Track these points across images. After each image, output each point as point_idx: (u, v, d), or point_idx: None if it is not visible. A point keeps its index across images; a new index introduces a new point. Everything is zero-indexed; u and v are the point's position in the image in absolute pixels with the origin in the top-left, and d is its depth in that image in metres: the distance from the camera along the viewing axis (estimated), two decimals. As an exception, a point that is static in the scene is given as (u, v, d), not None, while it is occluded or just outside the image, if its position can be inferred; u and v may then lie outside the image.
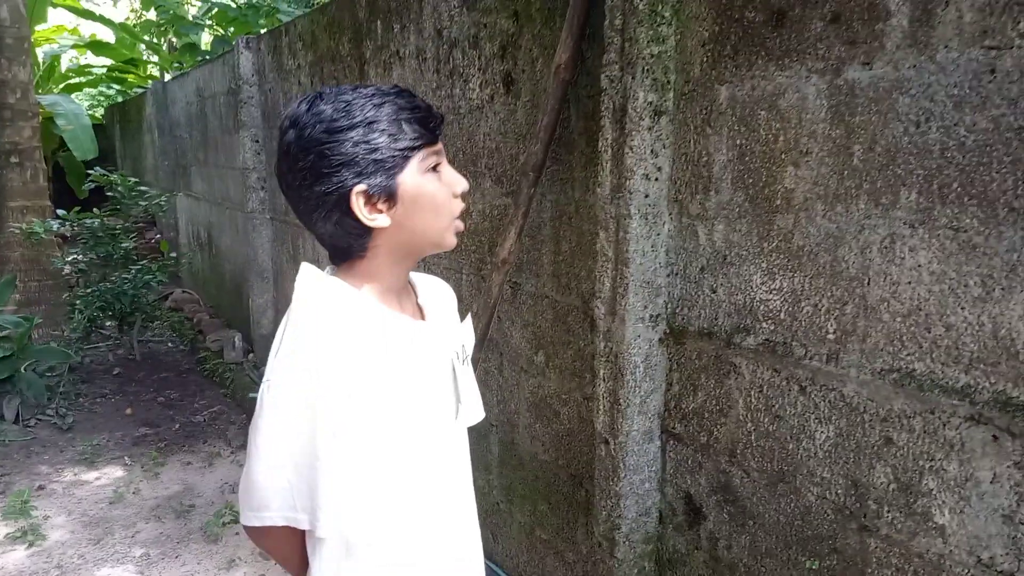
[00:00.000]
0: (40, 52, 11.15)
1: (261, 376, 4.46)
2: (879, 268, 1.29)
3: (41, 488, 3.78)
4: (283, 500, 0.96)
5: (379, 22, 3.04)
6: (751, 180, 1.49)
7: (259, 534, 1.04)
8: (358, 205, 0.95)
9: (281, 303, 4.85)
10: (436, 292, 1.19)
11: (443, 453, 1.10)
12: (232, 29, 7.50)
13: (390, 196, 0.97)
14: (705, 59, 1.58)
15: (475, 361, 2.38)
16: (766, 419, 1.52)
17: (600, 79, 1.78)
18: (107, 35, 11.43)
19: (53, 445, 4.33)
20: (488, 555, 2.67)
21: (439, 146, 1.01)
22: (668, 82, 1.64)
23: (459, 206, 1.03)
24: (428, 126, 0.98)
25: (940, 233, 1.19)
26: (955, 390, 1.19)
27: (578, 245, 2.04)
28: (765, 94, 1.46)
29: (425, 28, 2.69)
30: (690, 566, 1.74)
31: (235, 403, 4.88)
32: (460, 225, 1.05)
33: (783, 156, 1.43)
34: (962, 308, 1.17)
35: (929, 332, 1.22)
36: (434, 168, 1.00)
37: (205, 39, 9.82)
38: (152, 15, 9.88)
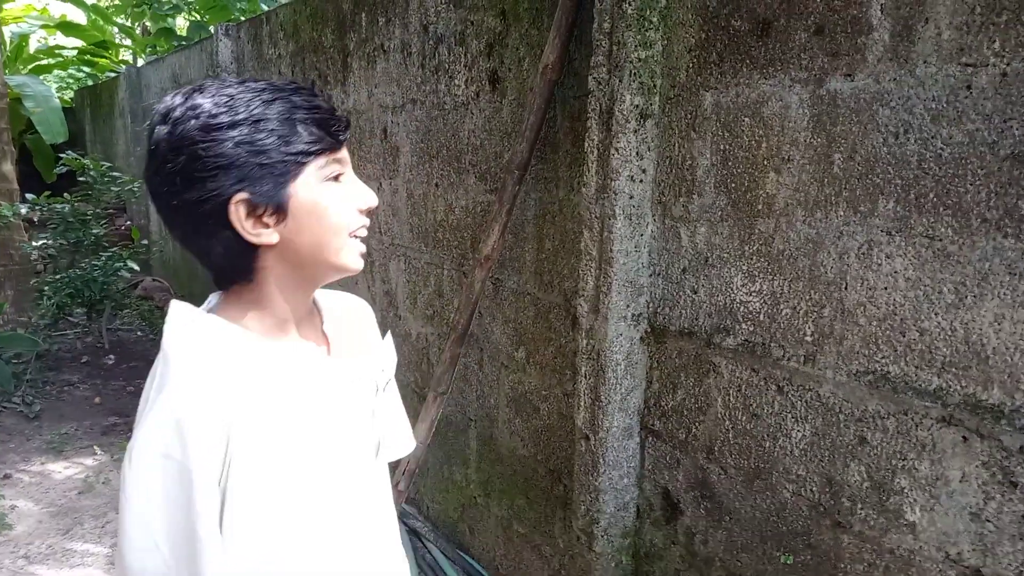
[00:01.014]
0: (7, 31, 10.88)
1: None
2: (856, 273, 1.33)
3: (7, 477, 3.73)
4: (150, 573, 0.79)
5: (364, 14, 3.04)
6: (734, 184, 1.53)
7: None
8: (238, 216, 0.81)
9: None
10: (346, 315, 1.03)
11: (360, 497, 0.97)
12: (207, 16, 7.41)
13: (279, 208, 0.83)
14: (691, 65, 1.61)
15: (455, 356, 2.40)
16: (744, 417, 1.56)
17: (587, 81, 1.81)
18: (78, 16, 11.20)
19: (20, 433, 4.26)
20: (464, 549, 2.69)
21: (342, 153, 0.87)
22: (654, 86, 1.67)
23: (362, 222, 0.89)
24: (330, 129, 0.85)
25: (916, 241, 1.24)
26: (928, 392, 1.24)
27: (561, 243, 2.07)
28: (749, 101, 1.49)
29: (411, 22, 2.69)
30: (667, 560, 1.78)
31: (208, 394, 4.84)
32: (362, 246, 0.90)
33: (765, 162, 1.47)
34: (936, 314, 1.22)
35: (904, 336, 1.27)
36: (335, 178, 0.86)
37: (180, 24, 9.67)
38: (126, -3, 9.68)
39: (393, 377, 1.09)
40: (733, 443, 1.59)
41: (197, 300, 0.94)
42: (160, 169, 0.81)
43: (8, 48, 10.69)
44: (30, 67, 11.26)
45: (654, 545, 1.83)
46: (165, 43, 7.84)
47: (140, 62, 10.08)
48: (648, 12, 1.63)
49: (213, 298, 0.93)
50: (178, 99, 0.82)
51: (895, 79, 1.25)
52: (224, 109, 0.80)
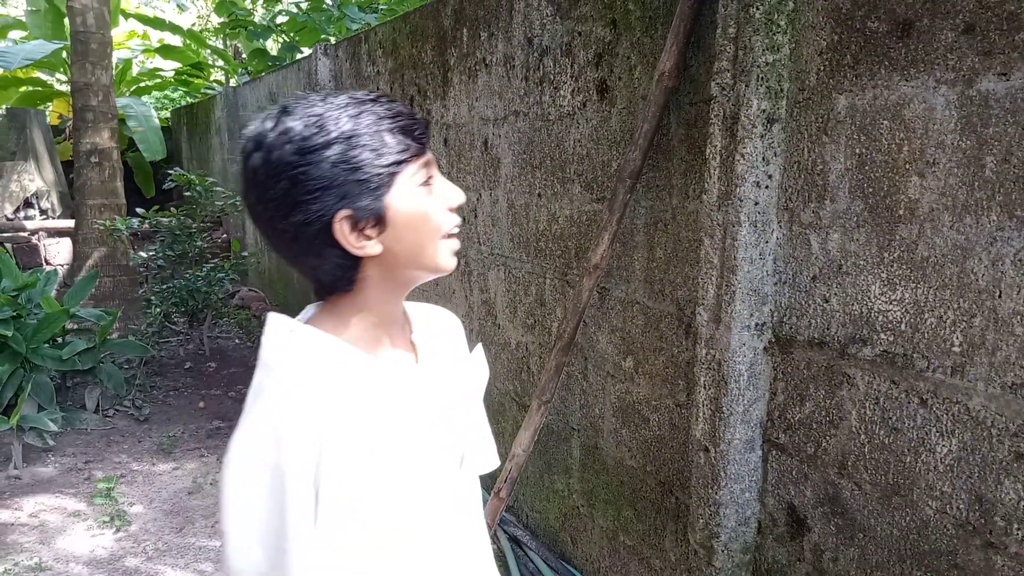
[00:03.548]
0: (114, 56, 11.57)
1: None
2: (1012, 281, 1.27)
3: (123, 476, 3.93)
4: (253, 571, 0.83)
5: (465, 30, 3.10)
6: (871, 189, 1.49)
7: None
8: (343, 233, 0.83)
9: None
10: (436, 327, 1.04)
11: (443, 506, 0.97)
12: (297, 38, 7.69)
13: (379, 220, 0.84)
14: (822, 68, 1.57)
15: (560, 365, 2.40)
16: (882, 431, 1.50)
17: (707, 87, 1.79)
18: (175, 40, 11.82)
19: (131, 435, 4.49)
20: (566, 559, 2.68)
21: (429, 156, 0.89)
22: (782, 90, 1.64)
23: (455, 221, 0.91)
24: (414, 134, 0.86)
25: (1085, 246, 1.17)
26: (1099, 407, 1.17)
27: (674, 252, 2.05)
28: (888, 104, 1.45)
29: (515, 36, 2.73)
30: (793, 577, 1.73)
31: (303, 400, 4.99)
32: (456, 244, 0.93)
33: (907, 166, 1.42)
34: (1109, 323, 1.15)
35: (1070, 347, 1.20)
36: (426, 183, 0.88)
37: (269, 45, 10.08)
38: (220, 20, 10.17)
39: (482, 392, 1.09)
40: (869, 458, 1.54)
41: (291, 309, 0.98)
42: (262, 196, 0.83)
43: (115, 73, 11.36)
44: (132, 89, 11.94)
45: (776, 562, 1.78)
46: (260, 63, 8.18)
47: (232, 82, 10.56)
48: (776, 16, 1.60)
49: (311, 308, 0.96)
50: (268, 123, 0.83)
51: (1059, 77, 1.19)
52: (315, 130, 0.81)
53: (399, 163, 0.84)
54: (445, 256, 0.91)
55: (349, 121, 0.82)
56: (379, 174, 0.82)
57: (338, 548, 0.85)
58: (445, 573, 0.96)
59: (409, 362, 0.96)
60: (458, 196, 0.91)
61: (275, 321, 0.89)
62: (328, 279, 0.88)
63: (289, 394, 0.83)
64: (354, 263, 0.87)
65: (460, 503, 1.00)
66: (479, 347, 1.11)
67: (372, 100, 0.85)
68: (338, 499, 0.84)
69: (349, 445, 0.84)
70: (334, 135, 0.81)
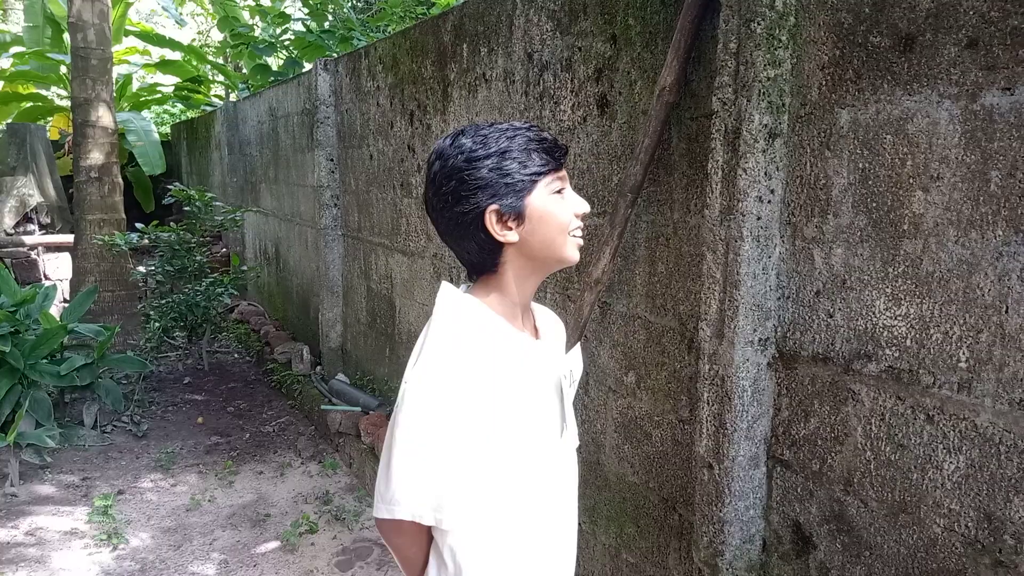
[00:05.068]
0: (115, 72, 11.60)
1: (329, 389, 4.57)
2: (1019, 296, 1.26)
3: (121, 493, 3.90)
4: (412, 495, 1.05)
5: (465, 45, 3.10)
6: (875, 204, 1.48)
7: (387, 528, 1.12)
8: (491, 222, 1.07)
9: (350, 317, 4.93)
10: (550, 319, 1.32)
11: (551, 468, 1.18)
12: (303, 56, 7.72)
13: (519, 215, 1.08)
14: (824, 82, 1.57)
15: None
16: (888, 448, 1.49)
17: (708, 102, 1.79)
18: (174, 56, 11.87)
19: (129, 451, 4.47)
20: (568, 576, 2.65)
21: (563, 172, 1.12)
22: (783, 105, 1.64)
23: (578, 224, 1.13)
24: (554, 155, 1.10)
25: (1092, 262, 1.16)
26: (1109, 424, 1.15)
27: (676, 266, 2.04)
28: (891, 118, 1.44)
29: (514, 51, 2.74)
30: (799, 596, 1.71)
31: (303, 414, 4.97)
32: (580, 241, 1.14)
33: (911, 180, 1.41)
34: (1118, 339, 1.14)
35: (1079, 363, 1.19)
36: (559, 192, 1.10)
37: (271, 60, 10.11)
38: (222, 36, 10.21)
39: (577, 383, 1.30)
40: (875, 474, 1.52)
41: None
42: (437, 192, 1.09)
43: (115, 88, 11.39)
44: (132, 104, 11.98)
45: (782, 579, 1.75)
46: (261, 79, 8.20)
47: (232, 97, 10.59)
48: (777, 31, 1.60)
49: (464, 286, 1.18)
50: (448, 141, 1.09)
51: (1063, 91, 1.18)
52: (480, 145, 1.07)
53: (539, 174, 1.08)
54: (570, 249, 1.12)
55: (506, 140, 1.07)
56: (522, 180, 1.07)
57: (480, 477, 1.06)
58: (546, 529, 1.17)
59: (531, 339, 1.18)
60: (583, 205, 1.13)
61: (446, 289, 1.14)
62: (478, 260, 1.12)
63: (463, 351, 1.06)
64: (497, 248, 1.10)
65: (563, 469, 1.22)
66: (578, 345, 1.38)
67: (526, 128, 1.09)
68: (485, 441, 1.05)
69: (496, 398, 1.05)
70: (493, 149, 1.06)
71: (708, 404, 1.79)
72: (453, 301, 1.13)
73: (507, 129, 1.08)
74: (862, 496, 1.55)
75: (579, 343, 1.36)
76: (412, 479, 1.04)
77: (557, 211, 1.10)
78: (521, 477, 1.11)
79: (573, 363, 1.27)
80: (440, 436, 1.03)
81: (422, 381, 1.04)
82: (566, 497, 1.23)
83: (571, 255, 1.13)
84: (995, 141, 1.28)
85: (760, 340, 1.71)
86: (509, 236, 1.08)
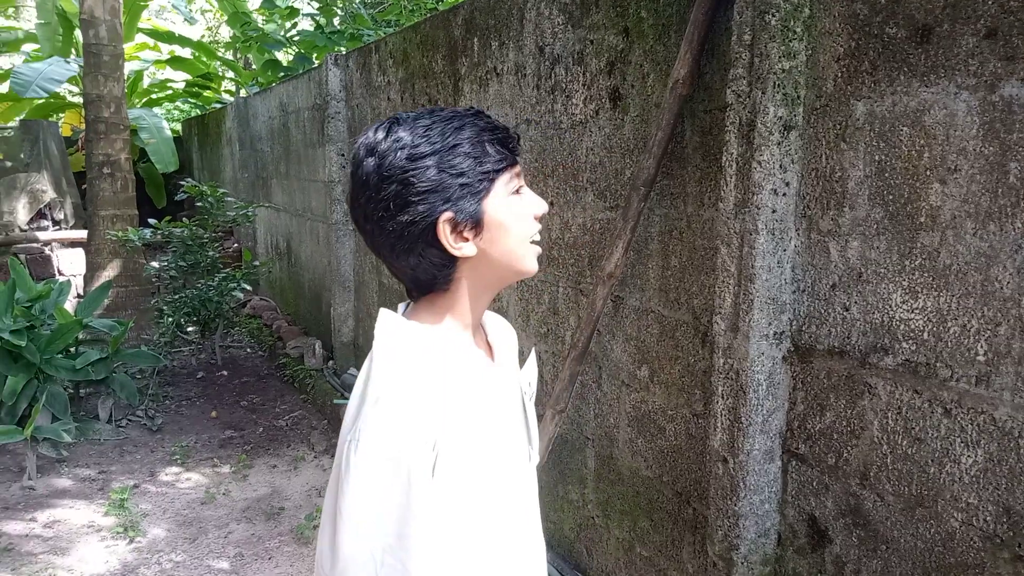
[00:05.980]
0: (127, 68, 11.66)
1: (341, 383, 4.55)
2: (1038, 289, 1.25)
3: (136, 486, 3.93)
4: (366, 574, 0.84)
5: (476, 39, 3.10)
6: (891, 196, 1.47)
7: None
8: (444, 233, 0.89)
9: (362, 312, 4.95)
10: (502, 330, 1.12)
11: (522, 499, 1.03)
12: (306, 51, 7.73)
13: (476, 223, 0.91)
14: (840, 74, 1.56)
15: (574, 374, 2.39)
16: (904, 442, 1.48)
17: (722, 94, 1.78)
18: (184, 53, 11.91)
19: (144, 445, 4.50)
20: (582, 570, 2.66)
21: (519, 167, 0.96)
22: (798, 97, 1.63)
23: (538, 228, 0.98)
24: (509, 147, 0.93)
25: (1114, 254, 1.15)
26: None
27: (690, 260, 2.03)
28: (908, 110, 1.43)
29: (526, 45, 2.73)
30: (814, 589, 1.71)
31: (315, 408, 4.99)
32: (539, 249, 0.99)
33: (928, 173, 1.40)
34: None
35: (1099, 356, 1.18)
36: (516, 191, 0.94)
37: (281, 56, 10.12)
38: (231, 32, 10.23)
39: (534, 393, 1.14)
40: (892, 468, 1.51)
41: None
42: (373, 197, 0.89)
43: (126, 84, 11.45)
44: (143, 100, 12.04)
45: (797, 574, 1.75)
46: (272, 74, 8.21)
47: (243, 92, 10.61)
48: (792, 22, 1.59)
49: (402, 307, 1.01)
50: (380, 134, 0.89)
51: (1084, 82, 1.17)
52: (423, 139, 0.88)
53: (497, 171, 0.91)
54: (530, 260, 0.97)
55: (453, 132, 0.89)
56: (479, 179, 0.89)
57: (452, 534, 0.87)
58: (525, 561, 1.02)
59: (488, 361, 1.02)
60: (542, 206, 0.98)
61: (386, 319, 0.95)
62: (426, 278, 0.94)
63: (409, 390, 0.88)
64: (451, 263, 0.92)
65: (530, 495, 1.07)
66: (533, 352, 1.19)
67: (473, 115, 0.91)
68: (454, 487, 0.87)
69: (460, 437, 0.88)
70: (439, 144, 0.88)
71: (723, 398, 1.79)
72: (398, 333, 0.93)
73: (452, 118, 0.90)
74: (879, 490, 1.55)
75: (534, 352, 1.18)
76: (364, 555, 0.84)
77: (518, 216, 0.94)
78: (500, 521, 0.95)
79: (530, 376, 1.12)
80: (403, 504, 0.83)
81: (373, 437, 0.84)
82: (534, 525, 1.08)
83: (531, 266, 0.97)
84: (1014, 132, 1.27)
85: (775, 334, 1.71)
86: (466, 249, 0.91)
